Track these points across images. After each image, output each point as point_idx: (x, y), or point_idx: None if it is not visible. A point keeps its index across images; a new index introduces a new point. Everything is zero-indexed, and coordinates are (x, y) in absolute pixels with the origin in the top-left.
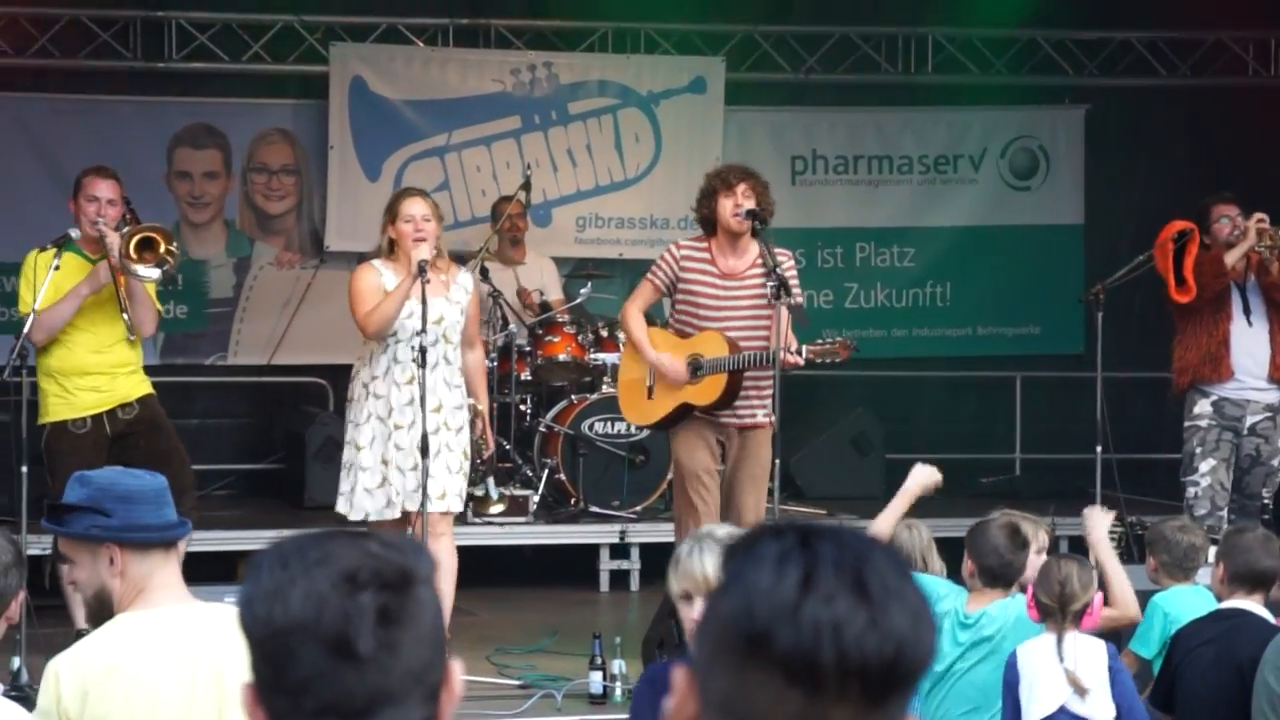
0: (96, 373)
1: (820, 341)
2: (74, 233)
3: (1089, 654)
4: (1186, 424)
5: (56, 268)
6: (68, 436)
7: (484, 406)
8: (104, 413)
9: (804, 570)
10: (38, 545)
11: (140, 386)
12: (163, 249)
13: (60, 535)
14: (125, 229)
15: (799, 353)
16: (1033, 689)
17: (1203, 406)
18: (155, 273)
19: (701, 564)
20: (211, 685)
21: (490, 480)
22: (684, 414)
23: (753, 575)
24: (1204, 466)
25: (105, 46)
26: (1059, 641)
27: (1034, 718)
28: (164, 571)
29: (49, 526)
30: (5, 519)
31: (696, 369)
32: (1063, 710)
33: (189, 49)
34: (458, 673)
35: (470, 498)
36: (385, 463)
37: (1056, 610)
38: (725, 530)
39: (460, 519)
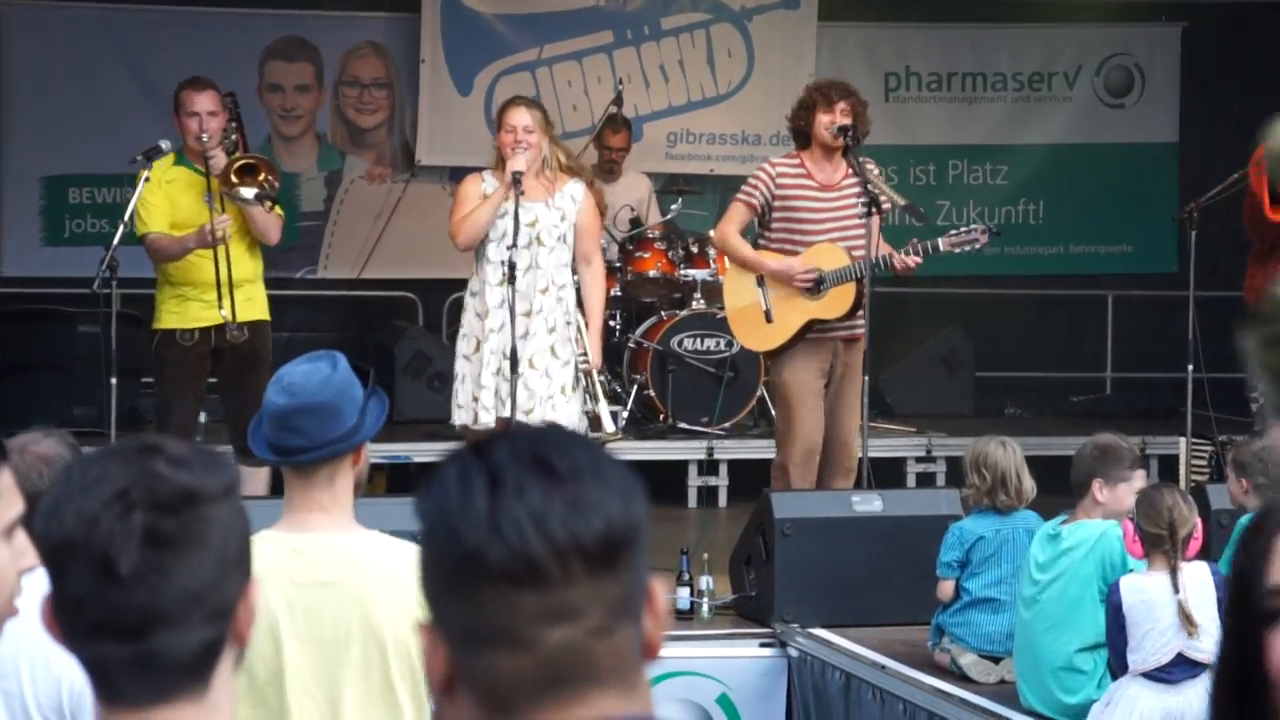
0: (213, 286)
1: (956, 232)
2: (165, 144)
3: (1196, 579)
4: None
5: (147, 179)
6: (175, 346)
7: (596, 321)
8: (214, 327)
9: (487, 476)
10: None
11: (255, 308)
12: (262, 176)
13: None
14: (233, 151)
15: (935, 246)
16: (1146, 631)
17: None
18: (250, 193)
19: None
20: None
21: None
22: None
23: (444, 501)
24: None
25: None
26: (1173, 572)
27: (1147, 663)
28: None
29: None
30: (95, 431)
31: (819, 281)
32: (1179, 657)
33: None
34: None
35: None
36: (495, 373)
37: (1166, 539)
38: None
39: None
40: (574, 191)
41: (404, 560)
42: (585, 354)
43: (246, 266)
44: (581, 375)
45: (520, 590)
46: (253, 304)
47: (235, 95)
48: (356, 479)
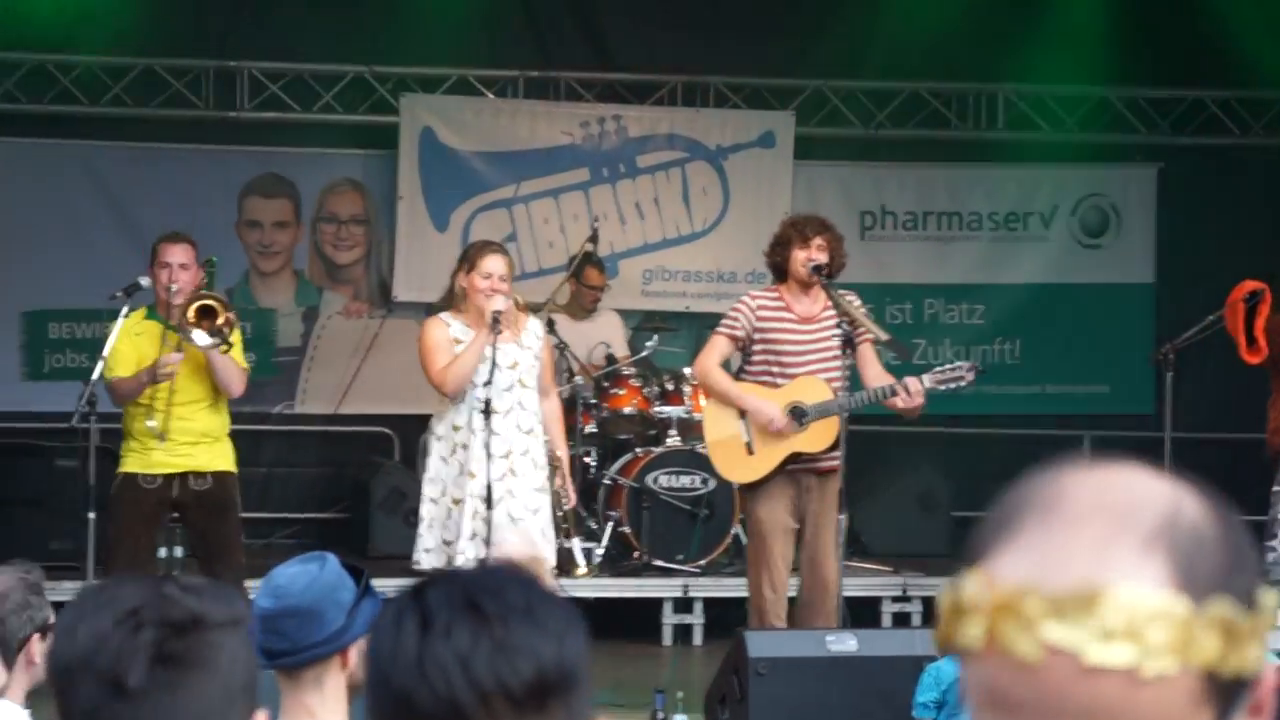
0: (175, 440)
1: (941, 369)
2: (144, 281)
3: None
4: (1275, 488)
5: (127, 314)
6: (135, 488)
7: (564, 454)
8: (176, 475)
9: (418, 618)
10: None
11: (219, 460)
12: (221, 320)
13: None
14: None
15: (920, 383)
16: None
17: None
18: (208, 341)
19: None
20: None
21: (577, 541)
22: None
23: (379, 642)
24: None
25: (177, 95)
26: None
27: None
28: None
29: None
30: (71, 565)
31: (801, 415)
32: None
33: (260, 98)
34: None
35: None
36: (461, 512)
37: None
38: None
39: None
40: (535, 328)
41: None
42: (563, 488)
43: (212, 420)
44: (563, 515)
45: None
46: (219, 456)
47: (215, 262)
48: (351, 681)
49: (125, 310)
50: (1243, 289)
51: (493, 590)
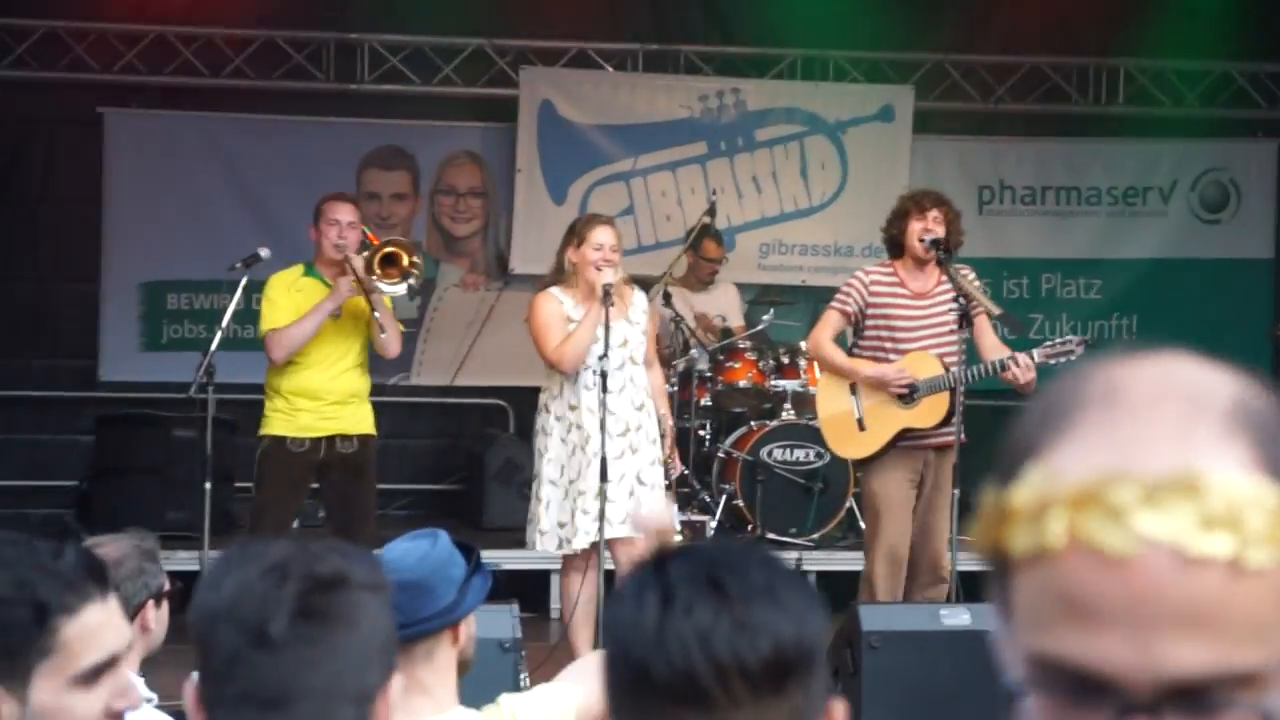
0: (324, 398)
1: (1051, 343)
2: (264, 252)
3: None
4: None
5: (248, 285)
6: (284, 453)
7: (670, 425)
8: (324, 438)
9: (660, 592)
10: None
11: (365, 423)
12: (406, 262)
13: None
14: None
15: (1030, 358)
16: None
17: None
18: (401, 287)
19: None
20: None
21: (675, 509)
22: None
23: (620, 614)
24: None
25: (298, 68)
26: None
27: None
28: None
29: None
30: (188, 535)
31: (913, 390)
32: None
33: (380, 71)
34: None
35: None
36: (582, 492)
37: None
38: None
39: None
40: (641, 303)
41: None
42: (670, 457)
43: (358, 382)
44: (669, 482)
45: (682, 708)
46: (361, 419)
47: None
48: (461, 657)
49: (244, 282)
50: None
51: (735, 568)
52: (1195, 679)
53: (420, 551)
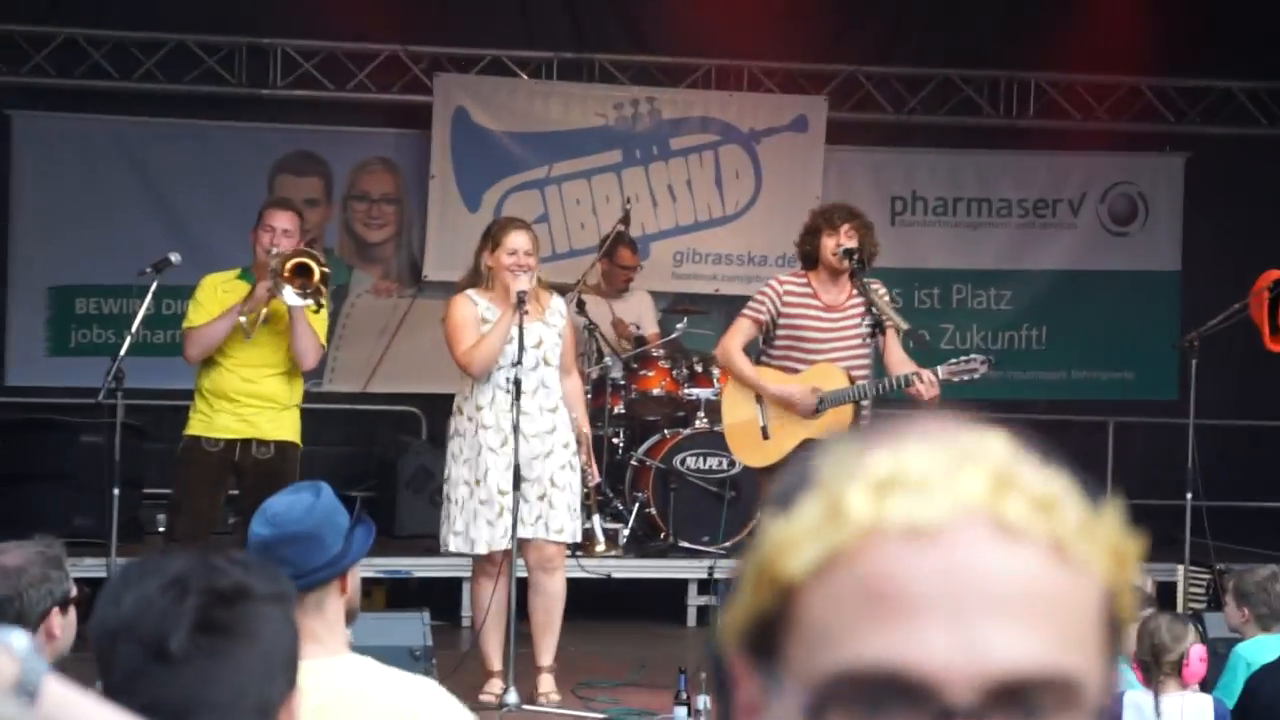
0: (241, 401)
1: (955, 361)
2: (174, 257)
3: (1194, 710)
4: None
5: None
6: (199, 452)
7: (587, 432)
8: (239, 440)
9: None
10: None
11: (284, 429)
12: (317, 276)
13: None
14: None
15: (934, 375)
16: None
17: None
18: (299, 301)
19: None
20: None
21: (597, 518)
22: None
23: None
24: None
25: (210, 72)
26: (1155, 697)
27: None
28: None
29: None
30: (95, 541)
31: (818, 401)
32: None
33: (293, 76)
34: (297, 702)
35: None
36: (487, 496)
37: (1152, 664)
38: None
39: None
40: (558, 306)
41: (390, 684)
42: (587, 464)
43: (281, 388)
44: (587, 491)
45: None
46: (281, 425)
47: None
48: (348, 607)
49: (154, 286)
50: (1268, 278)
51: None
52: (1018, 677)
53: (305, 503)
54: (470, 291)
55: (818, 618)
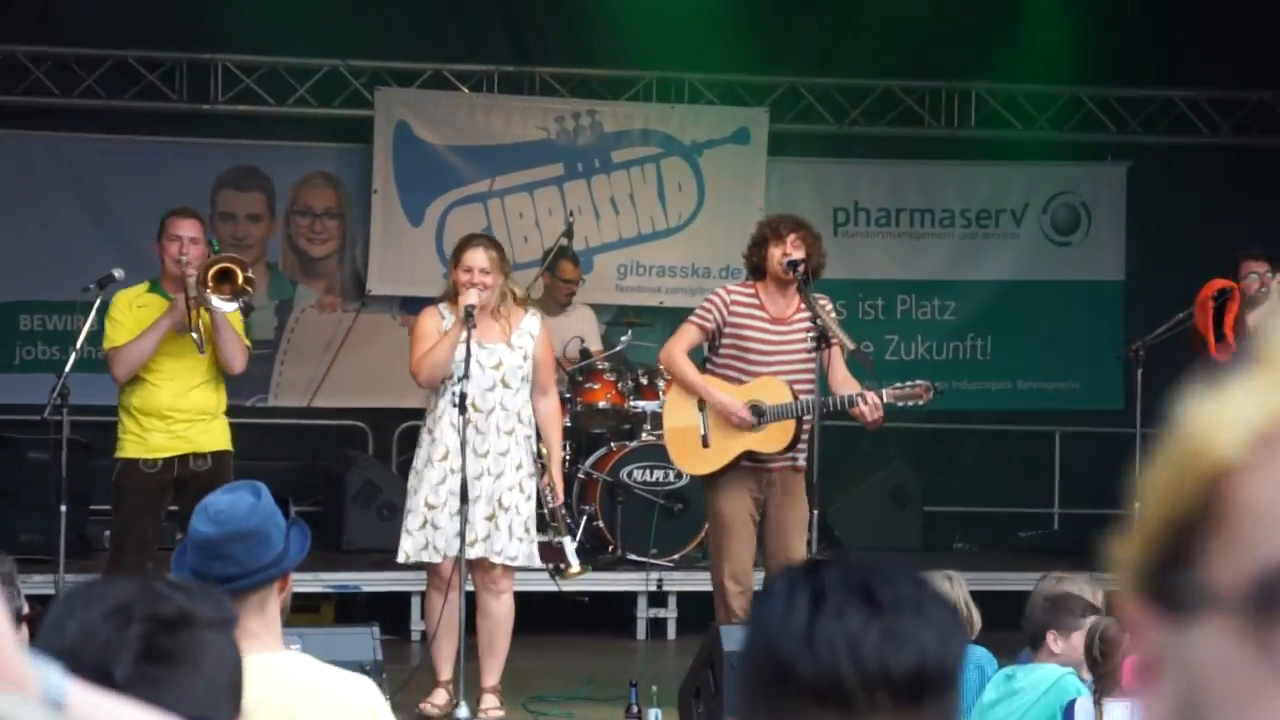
0: (174, 417)
1: (900, 385)
2: (118, 273)
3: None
4: None
5: (98, 307)
6: (137, 475)
7: (556, 454)
8: (176, 457)
9: (812, 593)
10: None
11: (218, 439)
12: (240, 279)
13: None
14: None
15: (878, 395)
16: None
17: None
18: (232, 305)
19: None
20: None
21: (568, 540)
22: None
23: (769, 612)
24: None
25: (151, 88)
26: (1099, 701)
27: None
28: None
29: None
30: (42, 558)
31: (760, 415)
32: None
33: (234, 91)
34: None
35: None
36: (431, 507)
37: (1099, 668)
38: None
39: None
40: (530, 326)
41: (329, 680)
42: (550, 490)
43: (209, 398)
44: (549, 512)
45: (824, 710)
46: (214, 435)
47: (216, 244)
48: (283, 606)
49: (97, 303)
50: (1212, 287)
51: (887, 579)
52: None
53: (247, 503)
54: (441, 305)
55: (1260, 498)
